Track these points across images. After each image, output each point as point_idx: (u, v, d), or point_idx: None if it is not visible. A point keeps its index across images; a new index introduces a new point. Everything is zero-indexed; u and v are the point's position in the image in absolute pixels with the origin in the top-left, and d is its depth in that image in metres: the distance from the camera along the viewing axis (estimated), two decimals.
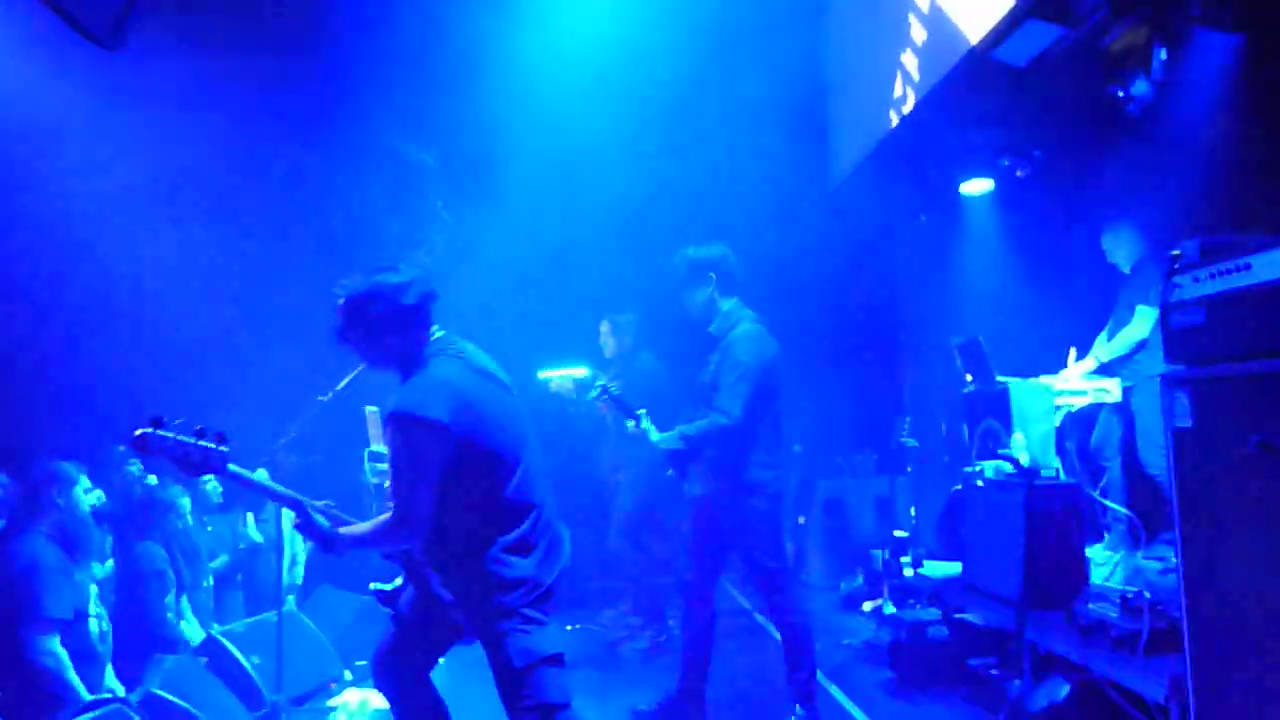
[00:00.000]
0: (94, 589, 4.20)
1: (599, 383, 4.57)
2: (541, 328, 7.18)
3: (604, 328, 6.11)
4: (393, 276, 2.90)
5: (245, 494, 5.86)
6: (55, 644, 3.84)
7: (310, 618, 5.25)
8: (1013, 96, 5.36)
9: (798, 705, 4.14)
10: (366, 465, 5.59)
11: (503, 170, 7.38)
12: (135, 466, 5.51)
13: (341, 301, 2.91)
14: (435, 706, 3.11)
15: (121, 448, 5.53)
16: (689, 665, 4.30)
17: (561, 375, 5.74)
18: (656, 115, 7.39)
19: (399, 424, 2.72)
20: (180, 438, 2.68)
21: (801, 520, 8.11)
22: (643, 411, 4.35)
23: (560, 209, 7.52)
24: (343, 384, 4.57)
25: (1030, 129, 5.95)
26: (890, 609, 5.53)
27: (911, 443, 6.51)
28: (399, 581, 3.10)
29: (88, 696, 3.80)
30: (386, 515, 2.78)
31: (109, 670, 4.25)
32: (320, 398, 4.56)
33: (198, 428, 2.72)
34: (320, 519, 2.80)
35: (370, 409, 5.81)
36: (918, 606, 5.26)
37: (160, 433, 2.66)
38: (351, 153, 7.52)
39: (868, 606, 6.14)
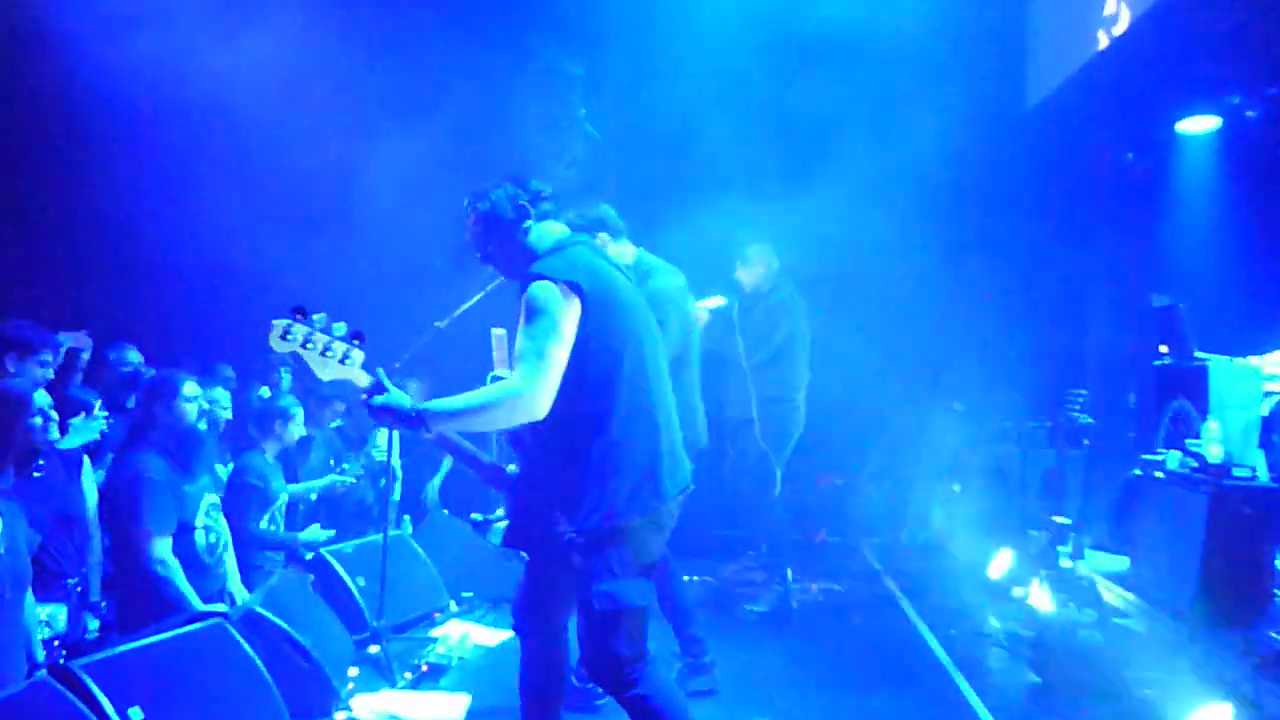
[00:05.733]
0: (207, 499, 4.46)
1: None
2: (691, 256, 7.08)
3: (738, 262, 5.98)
4: (519, 185, 3.01)
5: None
6: (164, 552, 4.13)
7: (421, 545, 5.48)
8: (1249, 20, 4.80)
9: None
10: None
11: (652, 85, 7.27)
12: (286, 378, 5.85)
13: (473, 214, 3.02)
14: (560, 665, 3.14)
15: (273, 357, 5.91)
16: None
17: (699, 306, 5.66)
18: (833, 24, 7.08)
19: (533, 283, 2.76)
20: (318, 332, 2.75)
21: (957, 488, 7.85)
22: None
23: (716, 127, 7.36)
24: (460, 310, 4.66)
25: (1268, 61, 5.33)
26: (1041, 601, 5.30)
27: (1084, 419, 6.13)
28: (500, 513, 3.12)
29: (200, 606, 4.10)
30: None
31: (232, 579, 4.57)
32: (438, 323, 4.65)
33: (337, 325, 2.80)
34: (400, 396, 2.79)
35: (497, 331, 5.92)
36: (1071, 604, 5.03)
37: (299, 323, 2.73)
38: (499, 60, 7.58)
39: (1017, 593, 5.90)
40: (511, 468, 3.01)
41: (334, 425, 5.78)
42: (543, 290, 2.75)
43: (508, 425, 2.81)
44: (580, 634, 2.88)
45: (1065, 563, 5.41)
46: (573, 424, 2.78)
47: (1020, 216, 7.34)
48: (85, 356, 5.31)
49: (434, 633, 5.02)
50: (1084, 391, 6.35)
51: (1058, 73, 6.94)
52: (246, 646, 3.62)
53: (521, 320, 2.76)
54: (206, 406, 4.46)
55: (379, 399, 2.76)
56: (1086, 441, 6.48)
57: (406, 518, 6.30)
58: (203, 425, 4.44)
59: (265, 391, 5.64)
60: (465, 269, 4.04)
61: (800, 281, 6.11)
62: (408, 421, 2.74)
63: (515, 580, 5.64)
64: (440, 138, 7.29)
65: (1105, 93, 6.39)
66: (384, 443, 5.95)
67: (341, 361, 2.78)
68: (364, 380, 2.80)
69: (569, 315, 2.74)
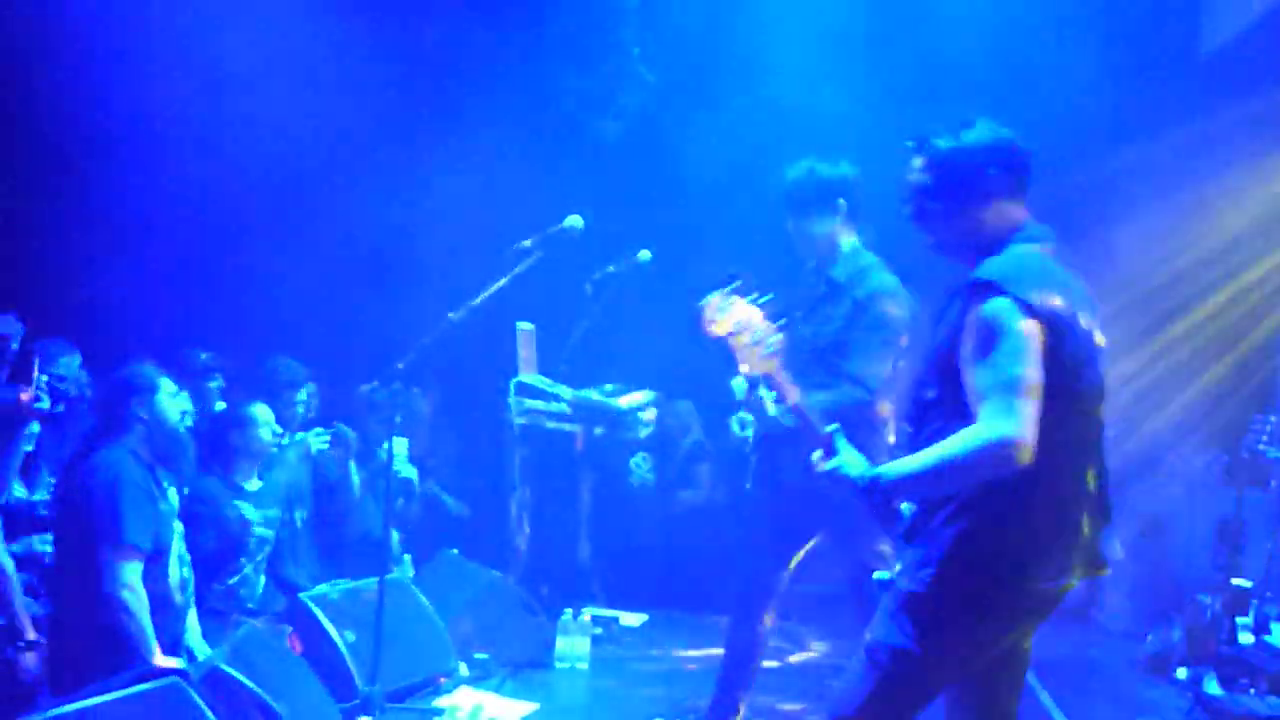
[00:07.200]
0: (180, 526, 4.48)
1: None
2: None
3: None
4: (1000, 134, 2.93)
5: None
6: (134, 576, 4.08)
7: (425, 592, 5.47)
8: None
9: None
10: (511, 400, 5.69)
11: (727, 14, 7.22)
12: (216, 383, 5.88)
13: (925, 159, 2.92)
14: None
15: (204, 355, 5.91)
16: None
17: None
18: None
19: (986, 299, 2.68)
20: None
21: None
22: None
23: (809, 67, 7.26)
24: (479, 299, 4.66)
25: None
26: (1213, 686, 5.32)
27: (1273, 453, 6.00)
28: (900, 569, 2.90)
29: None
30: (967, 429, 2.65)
31: (192, 628, 4.58)
32: (451, 315, 4.64)
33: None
34: (854, 460, 2.79)
35: (523, 325, 5.88)
36: (1253, 690, 5.04)
37: (736, 296, 2.85)
38: None
39: (1182, 674, 5.89)
40: (906, 506, 2.84)
41: (324, 436, 5.72)
42: (1001, 308, 2.66)
43: (985, 480, 2.68)
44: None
45: (1245, 638, 5.38)
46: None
47: (1189, 195, 7.18)
48: (14, 346, 5.37)
49: (439, 702, 5.01)
50: (1273, 418, 6.20)
51: (1243, 11, 6.79)
52: (208, 712, 3.62)
53: (970, 345, 2.69)
54: (191, 409, 4.51)
55: (828, 464, 2.80)
56: (1275, 482, 6.35)
57: (408, 556, 6.30)
58: (183, 429, 4.45)
59: (220, 404, 5.68)
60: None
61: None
62: (859, 495, 2.76)
63: (540, 641, 5.74)
64: (437, 82, 7.32)
65: None
66: (404, 451, 5.96)
67: (771, 354, 2.83)
68: (788, 387, 2.88)
69: (1035, 338, 2.64)
